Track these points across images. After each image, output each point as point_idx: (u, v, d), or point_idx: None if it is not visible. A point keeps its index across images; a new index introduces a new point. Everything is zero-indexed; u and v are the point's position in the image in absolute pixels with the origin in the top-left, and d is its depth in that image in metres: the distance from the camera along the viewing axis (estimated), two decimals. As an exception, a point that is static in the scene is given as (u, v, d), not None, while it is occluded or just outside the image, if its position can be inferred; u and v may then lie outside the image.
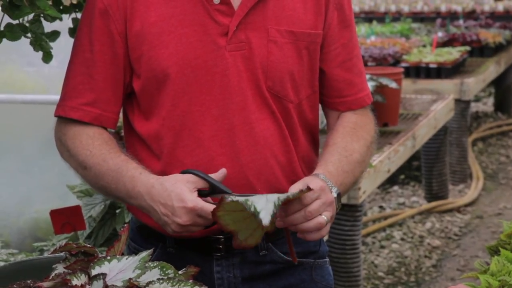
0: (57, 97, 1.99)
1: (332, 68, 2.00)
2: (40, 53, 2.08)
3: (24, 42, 2.03)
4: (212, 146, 1.90)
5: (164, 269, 1.47)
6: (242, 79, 1.89)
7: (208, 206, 1.75)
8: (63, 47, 2.17)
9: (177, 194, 1.77)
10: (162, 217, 1.78)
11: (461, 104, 6.47)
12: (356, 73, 2.03)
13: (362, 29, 8.82)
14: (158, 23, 1.88)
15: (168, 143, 1.92)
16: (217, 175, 1.83)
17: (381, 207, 6.24)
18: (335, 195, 1.83)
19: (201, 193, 1.80)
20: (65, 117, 1.95)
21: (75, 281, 1.39)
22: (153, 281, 1.41)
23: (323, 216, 1.76)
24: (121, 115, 2.03)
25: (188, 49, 1.88)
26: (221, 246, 1.93)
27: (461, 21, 9.57)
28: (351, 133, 1.98)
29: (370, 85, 4.66)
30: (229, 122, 1.90)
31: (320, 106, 2.08)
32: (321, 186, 1.77)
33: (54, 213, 2.05)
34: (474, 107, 9.27)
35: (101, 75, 1.92)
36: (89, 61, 1.92)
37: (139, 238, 2.03)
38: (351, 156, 1.93)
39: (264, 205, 1.61)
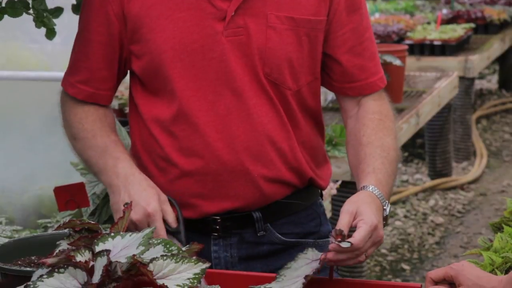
0: (60, 74, 2.02)
1: (341, 54, 1.96)
2: (44, 30, 2.07)
3: (28, 19, 2.02)
4: (208, 131, 1.89)
5: (168, 246, 1.47)
6: (239, 65, 1.87)
7: (162, 230, 1.81)
8: (66, 24, 2.16)
9: (147, 195, 1.81)
10: (119, 204, 1.81)
11: (465, 82, 6.45)
12: (367, 57, 1.98)
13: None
14: (156, 5, 1.87)
15: (165, 127, 1.92)
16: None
17: (384, 184, 6.23)
18: (387, 212, 1.81)
19: (169, 230, 1.85)
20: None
21: (79, 258, 1.39)
22: (157, 257, 1.42)
23: (364, 254, 1.74)
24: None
25: (185, 34, 1.86)
26: (218, 227, 1.94)
27: (465, -2, 9.51)
28: (381, 126, 1.94)
29: (374, 62, 4.63)
30: (225, 108, 1.89)
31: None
32: (375, 225, 1.73)
33: (58, 190, 2.05)
34: (478, 84, 9.23)
35: (96, 55, 1.94)
36: (86, 40, 1.94)
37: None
38: (389, 155, 1.90)
39: None
